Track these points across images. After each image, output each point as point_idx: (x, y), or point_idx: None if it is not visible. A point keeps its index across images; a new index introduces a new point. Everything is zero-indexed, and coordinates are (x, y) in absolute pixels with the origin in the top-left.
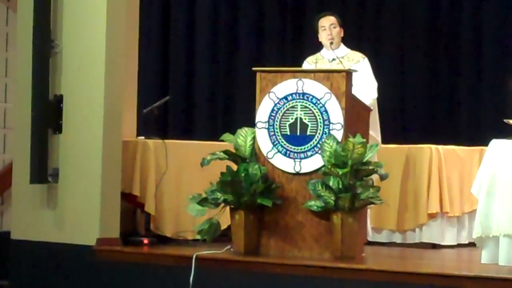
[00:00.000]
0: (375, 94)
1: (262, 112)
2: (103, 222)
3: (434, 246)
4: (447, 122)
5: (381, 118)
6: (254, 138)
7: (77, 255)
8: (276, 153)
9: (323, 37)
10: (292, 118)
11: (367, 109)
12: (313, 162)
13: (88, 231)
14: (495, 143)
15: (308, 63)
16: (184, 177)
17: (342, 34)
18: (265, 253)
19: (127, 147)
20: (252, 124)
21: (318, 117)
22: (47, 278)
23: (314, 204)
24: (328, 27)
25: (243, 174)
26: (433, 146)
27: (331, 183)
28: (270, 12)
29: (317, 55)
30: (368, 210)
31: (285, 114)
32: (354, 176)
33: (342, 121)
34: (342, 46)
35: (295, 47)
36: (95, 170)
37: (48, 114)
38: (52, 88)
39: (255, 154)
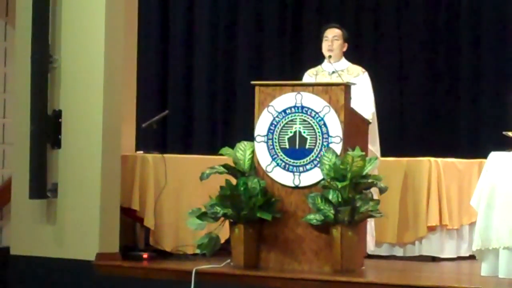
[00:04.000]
0: (372, 108)
1: (261, 125)
2: (103, 237)
3: (434, 259)
4: (446, 134)
5: (380, 131)
6: (253, 152)
7: (76, 270)
8: (275, 166)
9: (323, 47)
10: (291, 132)
11: (366, 122)
12: (312, 176)
13: (87, 246)
14: (494, 155)
15: (309, 75)
16: (184, 191)
17: (344, 49)
18: (265, 267)
19: (126, 162)
20: (251, 138)
21: (317, 130)
22: None
23: (314, 217)
24: (330, 39)
25: (242, 188)
26: (432, 159)
27: (330, 197)
28: (268, 26)
29: (318, 67)
30: (372, 223)
31: (284, 128)
32: (353, 189)
33: (341, 134)
34: (343, 59)
35: (294, 61)
36: (94, 185)
37: (47, 129)
38: (51, 103)
39: (254, 168)
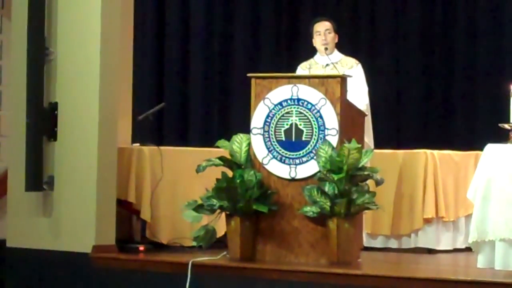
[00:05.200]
0: (366, 100)
1: (257, 118)
2: (99, 229)
3: (430, 251)
4: (442, 126)
5: (376, 123)
6: (249, 144)
7: (73, 263)
8: (271, 159)
9: (317, 42)
10: (287, 124)
11: (362, 115)
12: (309, 168)
13: (83, 238)
14: (490, 147)
15: (302, 69)
16: (180, 183)
17: (336, 40)
18: (261, 259)
19: (122, 154)
20: (247, 130)
21: (313, 122)
22: (43, 286)
23: (310, 210)
24: (323, 32)
25: (238, 181)
26: (428, 151)
27: (326, 189)
28: (264, 19)
29: (311, 60)
30: (363, 217)
31: (280, 120)
32: (349, 182)
33: (337, 127)
34: (336, 51)
35: (290, 53)
36: (91, 177)
37: (43, 122)
38: (47, 96)
39: (251, 160)
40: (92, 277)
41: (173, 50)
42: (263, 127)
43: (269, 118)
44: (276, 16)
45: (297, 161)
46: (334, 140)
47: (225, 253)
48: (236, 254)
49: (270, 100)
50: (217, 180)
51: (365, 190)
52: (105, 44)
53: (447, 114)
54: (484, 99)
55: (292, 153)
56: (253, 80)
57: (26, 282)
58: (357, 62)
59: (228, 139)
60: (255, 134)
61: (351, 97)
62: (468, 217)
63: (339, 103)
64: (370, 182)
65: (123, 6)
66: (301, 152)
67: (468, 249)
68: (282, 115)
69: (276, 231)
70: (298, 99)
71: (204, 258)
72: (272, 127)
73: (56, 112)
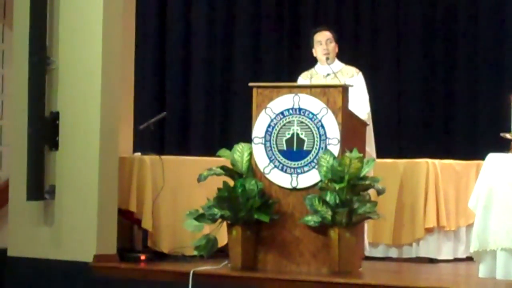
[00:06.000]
0: (367, 108)
1: (259, 127)
2: (100, 239)
3: (431, 261)
4: (443, 136)
5: (377, 133)
6: (250, 154)
7: (74, 272)
8: (272, 168)
9: (318, 52)
10: (288, 134)
11: (364, 124)
12: (310, 177)
13: (85, 248)
14: (491, 157)
15: (303, 79)
16: (181, 193)
17: (337, 50)
18: (263, 268)
19: (123, 164)
20: (248, 139)
21: (314, 132)
22: None
23: (311, 219)
24: (324, 42)
25: (240, 190)
26: (429, 161)
27: (328, 198)
28: (266, 28)
29: (312, 70)
30: (365, 225)
31: (281, 130)
32: (351, 191)
33: (338, 136)
34: (337, 61)
35: (291, 63)
36: (92, 186)
37: (44, 131)
38: (48, 105)
39: (252, 169)
40: (93, 287)
41: (175, 59)
42: (265, 137)
43: (271, 127)
44: (277, 26)
45: (299, 170)
46: (335, 149)
47: (226, 262)
48: (238, 263)
49: (272, 109)
50: (219, 189)
51: (367, 199)
52: (106, 53)
53: (448, 123)
54: (485, 109)
55: (293, 163)
56: (254, 90)
57: None
58: (358, 70)
59: (230, 148)
60: (256, 144)
61: (352, 105)
62: (469, 226)
63: (340, 112)
64: (371, 191)
65: (125, 14)
66: (302, 161)
67: (469, 259)
68: (284, 125)
69: (277, 241)
70: (300, 109)
71: (205, 268)
72: (273, 136)
73: (57, 121)
